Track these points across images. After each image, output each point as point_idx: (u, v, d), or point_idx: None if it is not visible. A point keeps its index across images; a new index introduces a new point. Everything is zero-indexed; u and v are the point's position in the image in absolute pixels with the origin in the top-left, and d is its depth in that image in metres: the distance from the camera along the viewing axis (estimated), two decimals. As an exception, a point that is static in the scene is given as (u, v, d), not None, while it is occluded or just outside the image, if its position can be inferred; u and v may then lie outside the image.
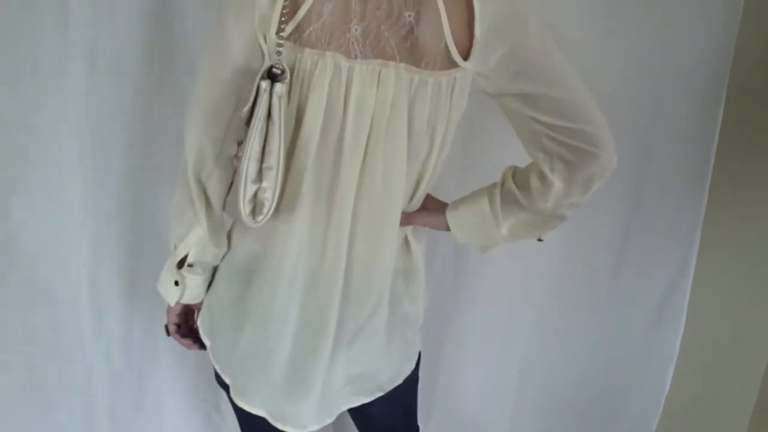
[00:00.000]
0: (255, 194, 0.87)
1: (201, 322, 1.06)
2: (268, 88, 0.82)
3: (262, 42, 0.85)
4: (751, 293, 1.55)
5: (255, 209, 0.88)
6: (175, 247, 0.97)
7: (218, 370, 1.05)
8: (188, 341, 1.10)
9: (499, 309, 1.54)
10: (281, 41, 0.83)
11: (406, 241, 1.04)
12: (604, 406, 1.72)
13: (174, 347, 1.39)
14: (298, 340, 0.97)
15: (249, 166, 0.85)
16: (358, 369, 1.03)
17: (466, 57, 0.90)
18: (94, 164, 1.26)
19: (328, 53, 0.84)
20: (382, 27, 0.85)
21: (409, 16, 0.86)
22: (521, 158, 1.01)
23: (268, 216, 0.87)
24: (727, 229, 1.58)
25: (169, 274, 1.00)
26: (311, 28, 0.84)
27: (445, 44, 0.88)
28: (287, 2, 0.82)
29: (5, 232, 1.25)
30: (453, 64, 0.90)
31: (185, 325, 1.10)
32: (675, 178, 1.57)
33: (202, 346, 1.08)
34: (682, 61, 1.47)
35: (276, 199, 0.86)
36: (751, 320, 1.56)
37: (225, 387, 1.06)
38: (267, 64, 0.84)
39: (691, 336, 1.68)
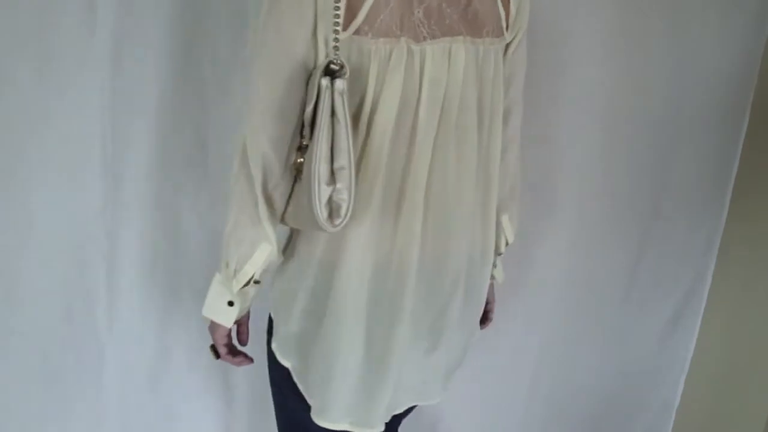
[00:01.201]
0: (330, 197, 0.81)
1: (278, 346, 1.00)
2: (329, 85, 0.78)
3: (320, 39, 0.81)
4: (766, 308, 1.55)
5: (331, 213, 0.82)
6: (236, 271, 0.90)
7: (303, 392, 0.99)
8: (240, 358, 1.03)
9: (511, 317, 1.53)
10: (357, 36, 0.81)
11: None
12: (614, 417, 1.71)
13: (186, 341, 1.42)
14: (371, 342, 0.94)
15: (320, 168, 0.79)
16: (435, 362, 1.02)
17: (506, 28, 0.92)
18: (114, 155, 1.27)
19: (402, 39, 0.82)
20: (443, 4, 0.85)
21: None
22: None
23: (347, 218, 0.82)
24: (744, 244, 1.58)
25: (220, 296, 0.94)
26: (381, 17, 0.81)
27: (498, 11, 0.90)
28: None
29: (24, 217, 1.26)
30: (501, 32, 0.92)
31: (230, 342, 1.03)
32: (695, 191, 1.57)
33: (249, 359, 1.04)
34: (707, 74, 1.47)
35: (352, 199, 0.82)
36: (764, 335, 1.54)
37: (305, 409, 1.00)
38: (324, 60, 0.80)
39: (704, 348, 1.68)
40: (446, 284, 0.96)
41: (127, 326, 1.38)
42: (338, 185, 0.81)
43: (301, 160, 0.86)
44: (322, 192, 0.80)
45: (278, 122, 0.84)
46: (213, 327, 0.99)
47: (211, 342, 1.01)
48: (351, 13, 0.80)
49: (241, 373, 1.43)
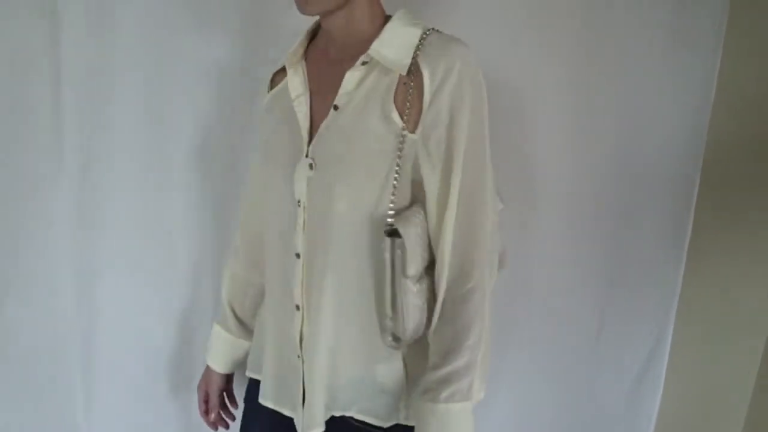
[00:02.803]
0: None
1: None
2: None
3: None
4: (726, 359, 1.61)
5: None
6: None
7: None
8: None
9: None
10: None
11: None
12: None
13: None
14: None
15: None
16: None
17: None
18: (83, 267, 1.32)
19: None
20: None
21: None
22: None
23: None
24: (703, 296, 1.64)
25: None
26: None
27: None
28: None
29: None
30: None
31: None
32: (652, 255, 1.62)
33: None
34: (658, 141, 1.53)
35: None
36: (723, 388, 1.60)
37: None
38: None
39: (669, 402, 1.73)
40: None
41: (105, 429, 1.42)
42: None
43: None
44: None
45: None
46: None
47: None
48: None
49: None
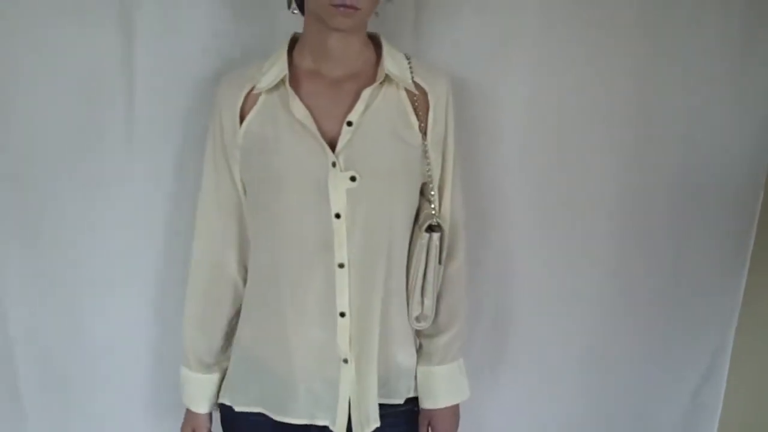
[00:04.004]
0: None
1: None
2: None
3: None
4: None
5: None
6: None
7: None
8: None
9: (535, 396, 1.58)
10: None
11: None
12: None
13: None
14: None
15: None
16: None
17: None
18: (155, 276, 1.36)
19: None
20: None
21: None
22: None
23: None
24: (764, 314, 1.60)
25: None
26: None
27: None
28: None
29: (72, 324, 1.36)
30: None
31: None
32: (714, 263, 1.59)
33: None
34: (721, 155, 1.50)
35: None
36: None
37: None
38: None
39: (728, 423, 1.69)
40: None
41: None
42: None
43: None
44: None
45: None
46: None
47: None
48: None
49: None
